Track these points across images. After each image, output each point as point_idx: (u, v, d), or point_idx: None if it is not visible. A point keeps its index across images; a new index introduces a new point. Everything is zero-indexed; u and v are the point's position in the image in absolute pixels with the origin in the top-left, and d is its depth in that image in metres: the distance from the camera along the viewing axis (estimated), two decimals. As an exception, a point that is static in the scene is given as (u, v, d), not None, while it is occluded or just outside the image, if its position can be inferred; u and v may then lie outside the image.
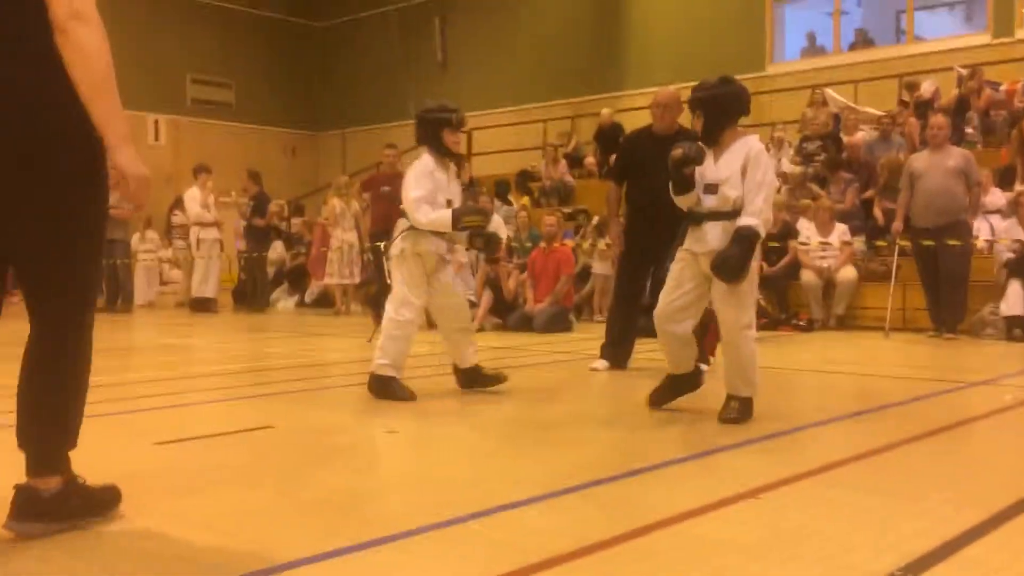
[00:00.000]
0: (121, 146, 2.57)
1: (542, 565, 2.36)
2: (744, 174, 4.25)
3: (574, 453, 3.84)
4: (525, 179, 16.22)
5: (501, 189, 15.06)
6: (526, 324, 9.82)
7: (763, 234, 4.27)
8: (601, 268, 11.16)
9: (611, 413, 4.91)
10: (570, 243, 11.48)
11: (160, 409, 4.99)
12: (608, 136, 15.84)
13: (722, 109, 4.37)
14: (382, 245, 10.70)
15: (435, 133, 5.17)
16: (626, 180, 6.53)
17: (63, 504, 2.66)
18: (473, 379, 5.47)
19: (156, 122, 21.65)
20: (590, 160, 16.05)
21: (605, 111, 16.21)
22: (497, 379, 5.46)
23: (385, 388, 5.17)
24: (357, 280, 12.96)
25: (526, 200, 15.18)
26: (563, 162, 15.77)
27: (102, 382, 6.02)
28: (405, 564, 2.38)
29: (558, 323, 9.82)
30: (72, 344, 2.70)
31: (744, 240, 4.18)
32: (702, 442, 3.91)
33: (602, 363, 6.51)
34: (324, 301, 14.10)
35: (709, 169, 4.37)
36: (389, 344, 5.26)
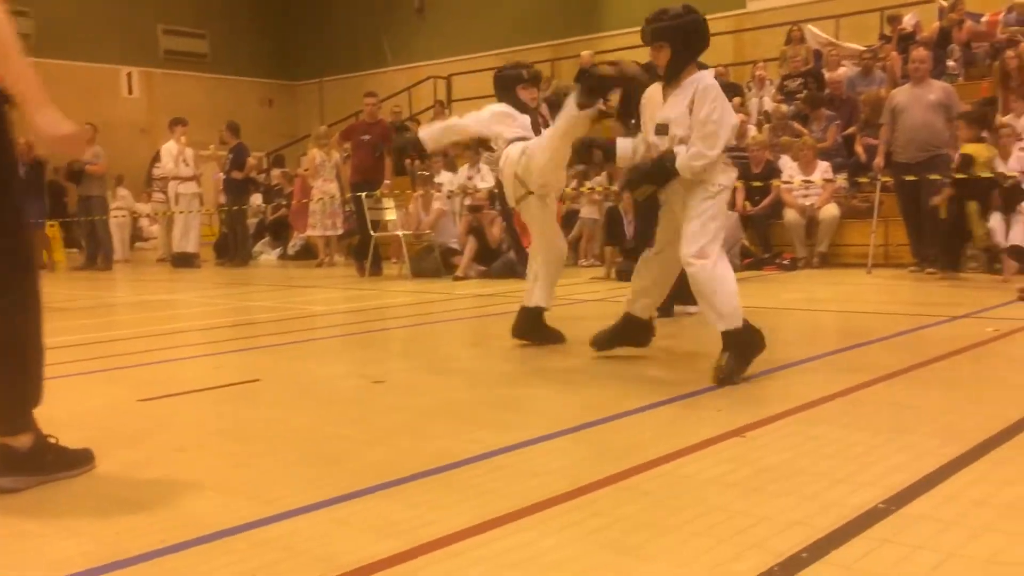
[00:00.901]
0: (37, 108, 2.55)
1: (535, 507, 2.38)
2: (691, 111, 4.00)
3: (562, 397, 3.86)
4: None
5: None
6: (511, 271, 9.80)
7: (685, 172, 3.98)
8: (588, 212, 11.13)
9: (596, 358, 4.92)
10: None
11: (144, 365, 4.98)
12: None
13: (686, 41, 4.07)
14: (363, 195, 10.65)
15: (511, 89, 5.18)
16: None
17: (38, 459, 2.72)
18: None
19: (129, 75, 21.31)
20: (571, 103, 15.90)
21: (585, 53, 16.01)
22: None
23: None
24: (340, 231, 12.89)
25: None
26: (543, 106, 15.61)
27: (83, 340, 6.01)
28: (396, 511, 2.39)
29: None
30: (11, 306, 2.68)
31: (657, 163, 4.05)
32: (689, 383, 3.93)
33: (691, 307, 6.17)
34: (307, 253, 14.04)
35: (660, 108, 4.15)
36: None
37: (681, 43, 4.06)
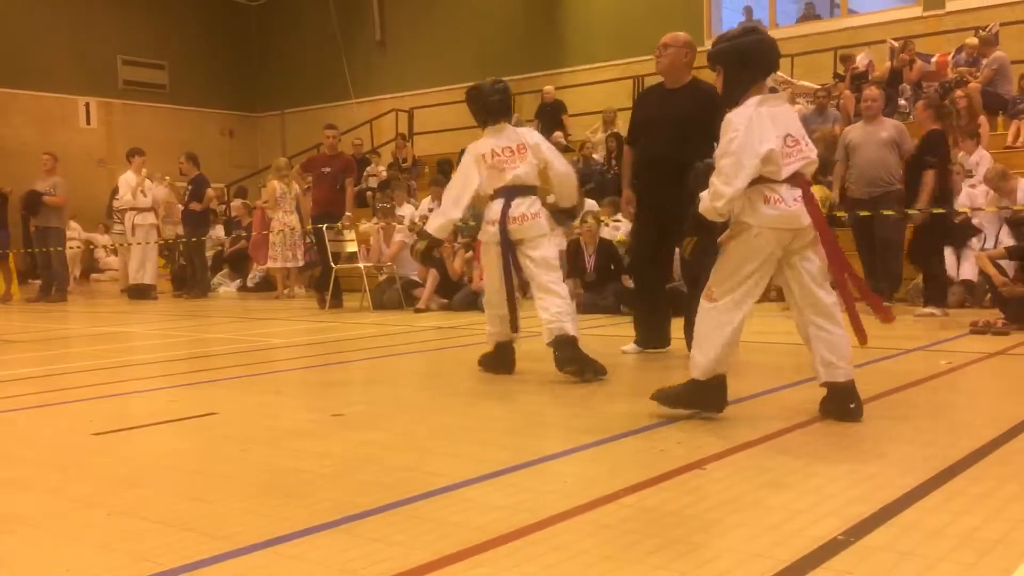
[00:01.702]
0: None
1: (495, 541, 2.36)
2: None
3: (522, 430, 3.84)
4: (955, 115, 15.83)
5: (444, 168, 14.95)
6: (472, 303, 9.79)
7: (709, 214, 3.66)
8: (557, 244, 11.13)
9: (559, 389, 4.91)
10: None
11: (98, 399, 4.88)
12: (550, 113, 15.83)
13: (743, 63, 3.75)
14: (324, 227, 10.60)
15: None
16: (639, 139, 5.93)
17: None
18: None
19: (87, 105, 21.10)
20: (532, 138, 16.02)
21: (547, 88, 16.20)
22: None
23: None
24: (300, 263, 12.80)
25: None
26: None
27: (37, 372, 5.89)
28: (354, 547, 2.36)
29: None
30: None
31: (692, 211, 3.74)
32: (647, 416, 3.93)
33: (632, 347, 6.06)
34: (266, 285, 13.92)
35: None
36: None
37: (734, 66, 3.77)
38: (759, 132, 3.61)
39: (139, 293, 13.24)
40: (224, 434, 3.88)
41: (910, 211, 8.13)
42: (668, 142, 5.47)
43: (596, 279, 9.46)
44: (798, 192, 3.68)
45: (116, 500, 2.88)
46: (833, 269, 3.85)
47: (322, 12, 21.77)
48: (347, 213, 10.81)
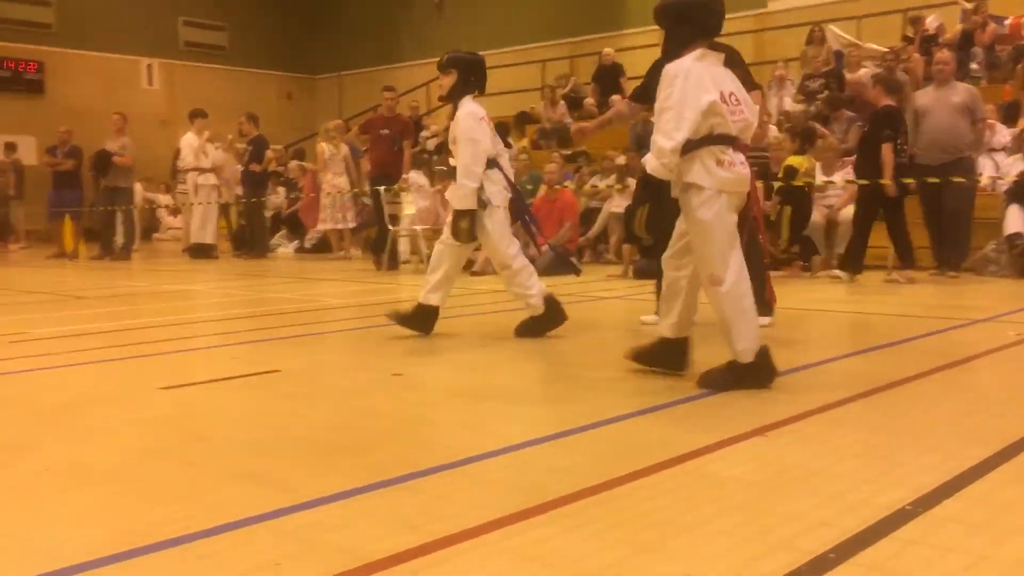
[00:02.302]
0: None
1: (554, 503, 2.37)
2: None
3: (580, 393, 3.84)
4: (524, 121, 16.07)
5: (500, 131, 14.84)
6: (528, 266, 9.79)
7: (658, 173, 3.55)
8: (617, 206, 11.06)
9: (615, 354, 4.90)
10: (571, 185, 11.40)
11: (163, 355, 4.99)
12: (608, 76, 15.66)
13: (683, 22, 3.70)
14: (382, 189, 10.66)
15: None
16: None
17: None
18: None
19: (149, 66, 21.39)
20: (589, 101, 15.86)
21: (606, 51, 16.00)
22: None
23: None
24: (352, 224, 12.91)
25: (525, 142, 15.05)
26: (562, 104, 15.61)
27: (102, 328, 6.04)
28: (416, 504, 2.39)
29: (561, 266, 9.79)
30: None
31: (645, 186, 3.63)
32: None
33: (652, 317, 5.90)
34: (323, 246, 14.06)
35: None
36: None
37: (675, 26, 3.74)
38: (697, 84, 3.52)
39: (200, 252, 13.48)
40: (286, 391, 3.95)
41: (883, 181, 8.15)
42: None
43: (653, 244, 9.37)
44: (742, 156, 3.65)
45: (186, 452, 2.95)
46: (760, 233, 3.93)
47: (380, -26, 21.74)
48: (404, 175, 10.85)
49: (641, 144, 9.92)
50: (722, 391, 3.72)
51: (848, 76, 11.95)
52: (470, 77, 5.35)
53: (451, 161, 5.30)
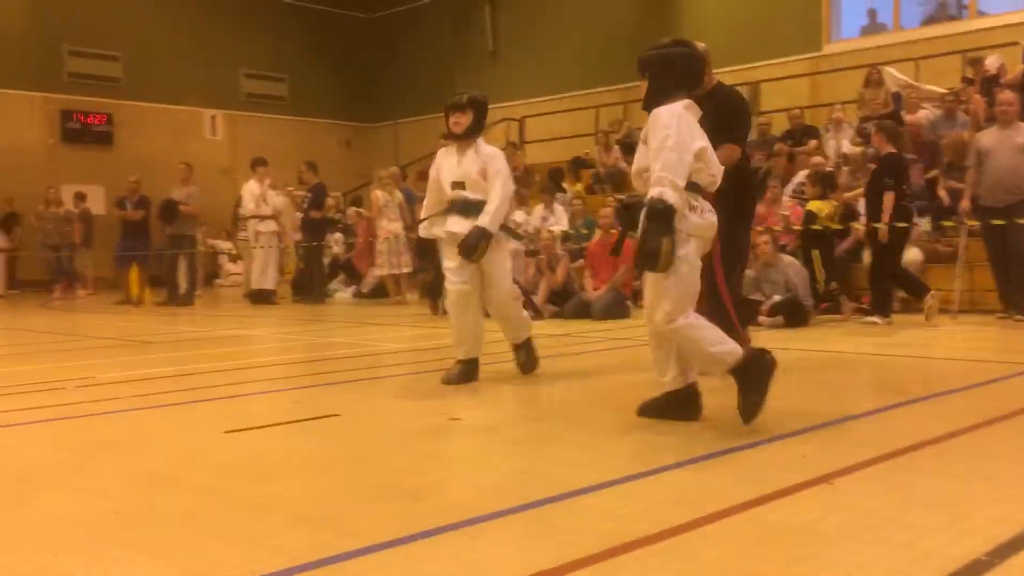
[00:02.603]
0: None
1: (616, 550, 2.35)
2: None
3: (639, 438, 3.81)
4: (578, 166, 16.17)
5: (554, 176, 15.02)
6: (583, 311, 9.79)
7: (674, 201, 3.60)
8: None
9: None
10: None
11: (226, 399, 5.08)
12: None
13: (668, 73, 3.91)
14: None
15: (446, 122, 5.48)
16: None
17: None
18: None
19: (212, 117, 21.99)
20: (643, 145, 15.93)
21: (658, 95, 16.05)
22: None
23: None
24: (407, 269, 13.06)
25: (580, 187, 15.13)
26: (616, 148, 15.67)
27: (167, 373, 6.16)
28: (479, 550, 2.39)
29: (616, 310, 9.78)
30: None
31: (652, 215, 3.61)
32: (767, 429, 3.85)
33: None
34: (380, 291, 14.21)
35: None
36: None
37: (660, 75, 3.92)
38: (688, 130, 3.75)
39: (260, 298, 13.72)
40: (347, 435, 3.99)
41: (877, 225, 8.36)
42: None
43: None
44: (708, 204, 3.85)
45: (249, 495, 2.99)
46: (719, 280, 4.10)
47: (436, 24, 22.18)
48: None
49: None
50: (762, 404, 3.77)
51: (907, 118, 11.82)
52: (483, 119, 5.51)
53: (462, 194, 5.38)
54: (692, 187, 3.77)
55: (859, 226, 9.61)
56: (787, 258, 8.84)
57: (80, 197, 17.15)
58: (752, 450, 3.51)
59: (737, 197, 4.89)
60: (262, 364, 7.00)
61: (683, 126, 3.72)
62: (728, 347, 3.80)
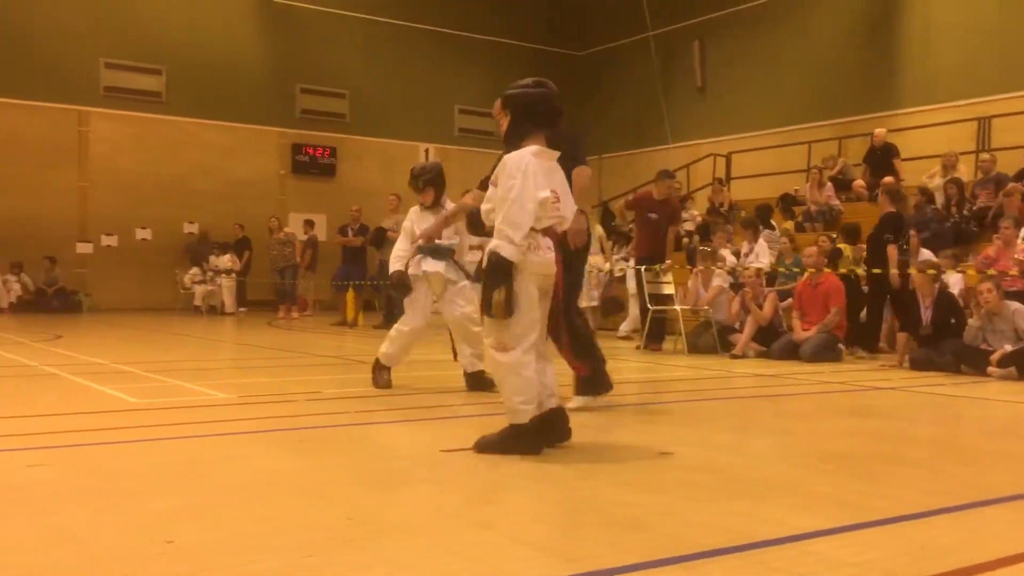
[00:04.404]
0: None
1: (848, 600, 2.26)
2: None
3: (866, 487, 3.64)
4: (788, 203, 15.72)
5: (763, 213, 14.66)
6: (791, 352, 9.46)
7: (514, 254, 3.88)
8: None
9: (901, 443, 4.61)
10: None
11: (443, 419, 5.27)
12: (880, 158, 15.04)
13: (527, 112, 4.16)
14: (642, 268, 10.76)
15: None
16: None
17: None
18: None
19: (427, 150, 23.03)
20: (859, 183, 15.28)
21: (878, 131, 15.40)
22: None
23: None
24: (595, 303, 13.10)
25: (790, 224, 14.70)
26: (829, 185, 15.11)
27: (384, 392, 6.46)
28: (701, 585, 2.37)
29: (827, 352, 9.39)
30: None
31: (489, 267, 3.92)
32: (1013, 484, 3.58)
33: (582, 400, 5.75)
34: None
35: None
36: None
37: (519, 114, 4.19)
38: (534, 180, 3.94)
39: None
40: (561, 463, 4.03)
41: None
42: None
43: (932, 333, 8.77)
44: (550, 242, 4.08)
45: (473, 513, 3.10)
46: (553, 314, 4.21)
47: (644, 60, 22.26)
48: (667, 261, 10.88)
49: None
50: (495, 452, 3.99)
51: None
52: (443, 189, 6.74)
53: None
54: (531, 230, 3.98)
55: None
56: (1014, 304, 8.17)
57: (309, 224, 18.41)
58: (991, 507, 3.27)
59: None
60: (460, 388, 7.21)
61: (528, 176, 3.92)
62: (528, 408, 4.02)
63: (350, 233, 15.56)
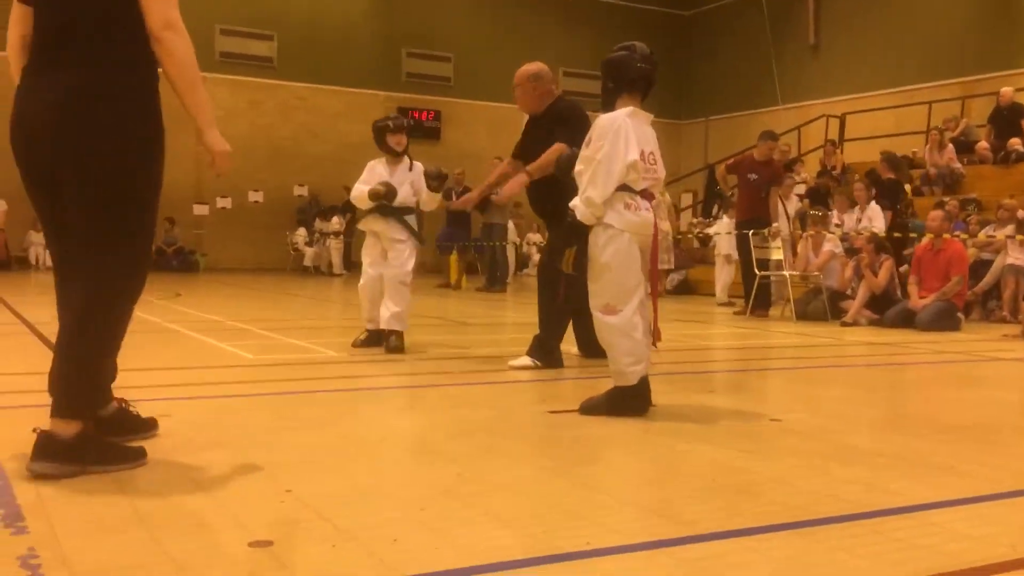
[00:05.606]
0: (207, 129, 3.05)
1: (970, 572, 2.20)
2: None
3: (989, 458, 3.51)
4: (893, 163, 15.08)
5: (876, 177, 14.14)
6: (907, 320, 9.14)
7: (587, 217, 3.99)
8: (1017, 259, 10.03)
9: (1022, 415, 4.42)
10: (961, 235, 10.50)
11: (541, 381, 5.30)
12: (1006, 118, 14.30)
13: (609, 75, 4.22)
14: (749, 233, 10.53)
15: (381, 138, 6.52)
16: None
17: (77, 450, 2.84)
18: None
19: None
20: (982, 145, 14.56)
21: (1004, 90, 14.62)
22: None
23: None
24: (669, 266, 12.99)
25: (908, 188, 14.14)
26: (950, 147, 14.45)
27: (488, 353, 6.54)
28: (813, 552, 2.33)
29: (945, 321, 9.04)
30: (108, 301, 2.91)
31: (567, 226, 4.08)
32: None
33: (522, 360, 5.67)
34: (684, 288, 14.20)
35: None
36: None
37: (606, 78, 4.23)
38: (625, 142, 3.96)
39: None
40: (668, 427, 4.01)
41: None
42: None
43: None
44: (647, 203, 4.10)
45: (578, 473, 3.12)
46: (652, 273, 4.19)
47: (754, 18, 21.64)
48: (774, 224, 10.62)
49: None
50: (602, 414, 4.01)
51: None
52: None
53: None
54: (629, 188, 4.02)
55: None
56: None
57: (413, 187, 18.64)
58: None
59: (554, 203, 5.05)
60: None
61: (620, 137, 3.96)
62: (638, 368, 4.04)
63: (454, 196, 15.69)
